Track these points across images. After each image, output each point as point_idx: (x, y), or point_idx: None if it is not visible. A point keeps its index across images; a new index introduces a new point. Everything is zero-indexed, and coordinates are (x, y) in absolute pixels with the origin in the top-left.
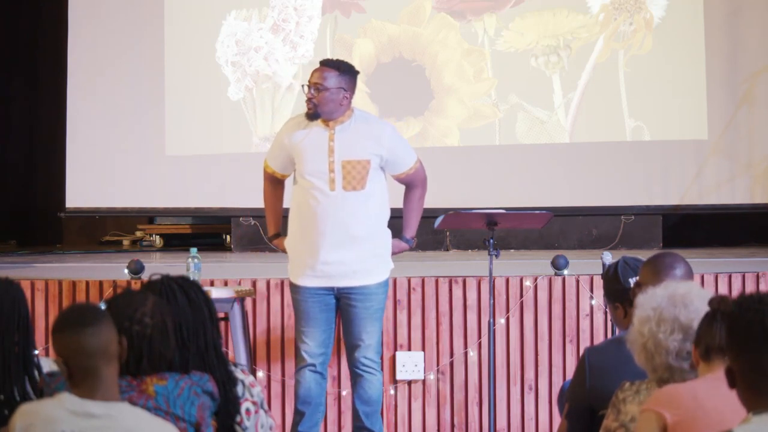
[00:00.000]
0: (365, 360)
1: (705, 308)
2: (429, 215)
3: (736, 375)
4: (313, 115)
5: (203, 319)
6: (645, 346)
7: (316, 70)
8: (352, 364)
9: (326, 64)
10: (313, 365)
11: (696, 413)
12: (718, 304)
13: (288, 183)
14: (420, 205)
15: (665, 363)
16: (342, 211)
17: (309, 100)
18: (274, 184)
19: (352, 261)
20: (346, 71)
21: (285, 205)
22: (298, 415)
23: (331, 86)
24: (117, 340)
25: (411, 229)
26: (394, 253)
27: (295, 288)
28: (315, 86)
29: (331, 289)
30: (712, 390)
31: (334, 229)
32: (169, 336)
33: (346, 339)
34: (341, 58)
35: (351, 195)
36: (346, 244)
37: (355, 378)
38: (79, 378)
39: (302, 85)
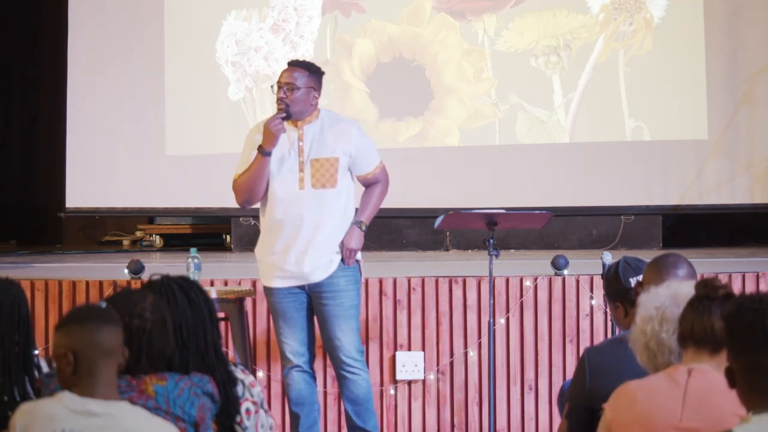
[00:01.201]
0: (348, 360)
1: None
2: (429, 215)
3: (736, 375)
4: (285, 116)
5: (203, 319)
6: (647, 346)
7: (286, 71)
8: (335, 366)
9: (296, 64)
10: (299, 366)
11: (628, 413)
12: (703, 288)
13: None
14: (379, 198)
15: (667, 362)
16: (310, 210)
17: (280, 100)
18: None
19: (318, 258)
20: (315, 71)
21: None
22: (294, 417)
23: (302, 86)
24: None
25: (366, 214)
26: (349, 249)
27: (269, 291)
28: (287, 86)
29: (303, 287)
30: (659, 389)
31: (304, 229)
32: (168, 333)
33: (324, 340)
34: (340, 58)
35: (320, 193)
36: (315, 243)
37: (340, 380)
38: (82, 374)
39: (271, 86)
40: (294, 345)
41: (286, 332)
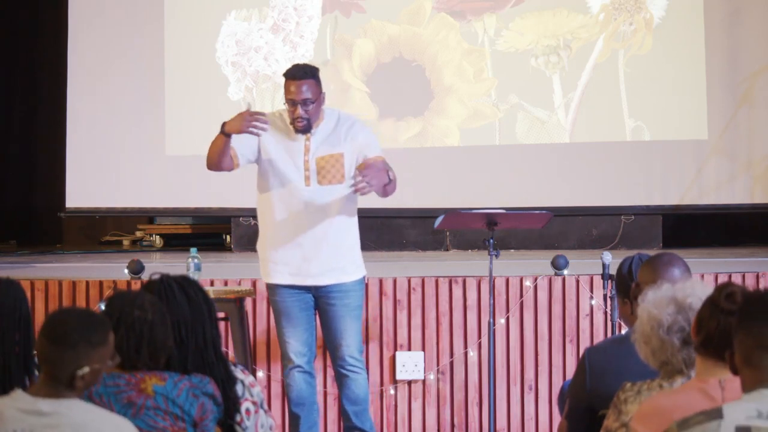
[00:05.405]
0: (350, 359)
1: (704, 293)
2: (429, 215)
3: (738, 357)
4: (305, 129)
5: (202, 317)
6: (644, 332)
7: (295, 85)
8: (337, 365)
9: (301, 76)
10: (300, 366)
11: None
12: (722, 293)
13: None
14: (392, 180)
15: (659, 339)
16: (317, 206)
17: (300, 118)
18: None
19: (328, 258)
20: (317, 74)
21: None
22: (294, 417)
23: (317, 97)
24: (91, 369)
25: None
26: (366, 175)
27: (272, 288)
28: (304, 102)
29: (309, 288)
30: (697, 408)
31: (312, 225)
32: (168, 328)
33: (328, 339)
34: (340, 58)
35: (327, 189)
36: (323, 240)
37: (341, 378)
38: (41, 371)
39: (284, 103)
40: (296, 345)
41: (289, 332)
